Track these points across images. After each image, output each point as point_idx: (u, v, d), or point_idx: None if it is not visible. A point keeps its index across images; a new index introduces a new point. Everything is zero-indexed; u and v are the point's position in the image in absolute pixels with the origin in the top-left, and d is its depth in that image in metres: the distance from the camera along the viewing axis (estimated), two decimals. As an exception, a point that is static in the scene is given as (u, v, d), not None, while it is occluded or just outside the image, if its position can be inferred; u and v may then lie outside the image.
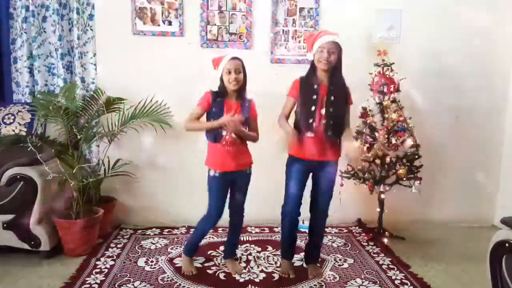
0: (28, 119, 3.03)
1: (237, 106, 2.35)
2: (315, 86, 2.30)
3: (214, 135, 2.33)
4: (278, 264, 2.61)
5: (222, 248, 2.84)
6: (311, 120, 2.28)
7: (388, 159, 2.93)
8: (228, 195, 2.47)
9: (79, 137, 2.83)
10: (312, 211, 2.48)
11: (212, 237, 3.04)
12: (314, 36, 2.33)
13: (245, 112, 2.36)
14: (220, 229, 3.15)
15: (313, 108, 2.28)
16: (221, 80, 2.34)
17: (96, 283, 2.34)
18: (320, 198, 2.43)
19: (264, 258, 2.72)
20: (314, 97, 2.29)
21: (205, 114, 2.38)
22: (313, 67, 2.36)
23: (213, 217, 2.41)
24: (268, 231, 3.20)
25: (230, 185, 2.44)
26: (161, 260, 2.66)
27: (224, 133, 2.32)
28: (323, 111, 2.28)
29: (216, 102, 2.34)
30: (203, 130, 2.38)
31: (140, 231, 3.15)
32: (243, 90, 2.39)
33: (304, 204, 2.45)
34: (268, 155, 2.96)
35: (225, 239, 2.99)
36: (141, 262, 2.63)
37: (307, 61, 2.51)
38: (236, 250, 2.67)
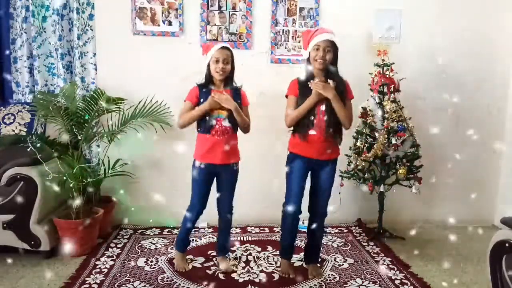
0: (28, 119, 3.03)
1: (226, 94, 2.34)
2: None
3: (205, 125, 2.33)
4: (278, 264, 2.60)
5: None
6: (312, 117, 2.28)
7: (388, 159, 2.93)
8: (217, 194, 2.47)
9: (79, 137, 2.83)
10: (311, 211, 2.48)
11: (212, 237, 3.03)
12: (310, 34, 2.32)
13: (236, 98, 2.36)
14: (220, 229, 3.15)
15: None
16: (208, 68, 2.35)
17: (95, 283, 2.34)
18: (319, 198, 2.43)
19: (264, 258, 2.72)
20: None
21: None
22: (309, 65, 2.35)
23: (195, 208, 2.42)
24: (268, 231, 3.20)
25: (214, 178, 2.43)
26: (161, 260, 2.66)
27: (214, 122, 2.32)
28: (323, 107, 2.28)
29: (203, 92, 2.35)
30: (195, 119, 2.34)
31: (140, 231, 3.15)
32: (230, 79, 2.39)
33: (303, 204, 2.44)
34: (268, 155, 2.96)
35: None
36: (140, 262, 2.63)
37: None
38: (228, 248, 2.65)
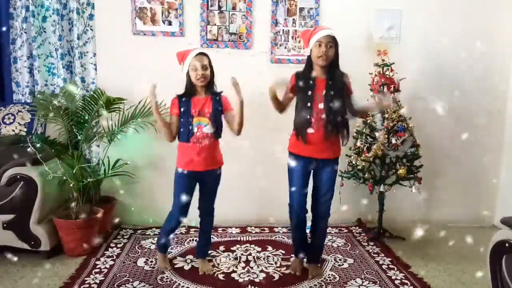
0: (28, 119, 3.03)
1: (205, 100, 2.33)
2: (311, 82, 2.29)
3: (186, 134, 2.31)
4: (278, 264, 2.61)
5: (222, 248, 2.85)
6: (308, 116, 2.27)
7: (388, 159, 2.93)
8: (198, 196, 2.46)
9: (79, 137, 2.83)
10: (313, 212, 2.47)
11: (212, 237, 3.02)
12: (310, 32, 2.32)
13: (216, 105, 2.33)
14: (220, 229, 3.15)
15: (309, 104, 2.27)
16: (187, 76, 2.32)
17: (95, 283, 2.34)
18: (322, 199, 2.41)
19: (264, 258, 2.72)
20: (310, 93, 2.28)
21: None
22: (309, 63, 2.34)
23: (176, 215, 2.39)
24: (268, 231, 3.20)
25: (197, 184, 2.42)
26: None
27: (195, 130, 2.30)
28: (321, 105, 2.27)
29: (183, 102, 2.33)
30: (164, 126, 2.33)
31: (140, 231, 3.15)
32: (211, 84, 2.36)
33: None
34: (269, 156, 2.96)
35: (226, 239, 3.00)
36: (140, 262, 2.63)
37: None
38: (208, 251, 2.64)
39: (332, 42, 2.26)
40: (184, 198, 2.37)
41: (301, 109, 2.30)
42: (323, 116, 2.26)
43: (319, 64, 2.28)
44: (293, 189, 2.38)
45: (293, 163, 2.37)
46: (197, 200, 2.49)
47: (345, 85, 2.33)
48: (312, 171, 2.41)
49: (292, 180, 2.39)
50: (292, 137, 2.40)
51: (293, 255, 2.67)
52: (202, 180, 2.41)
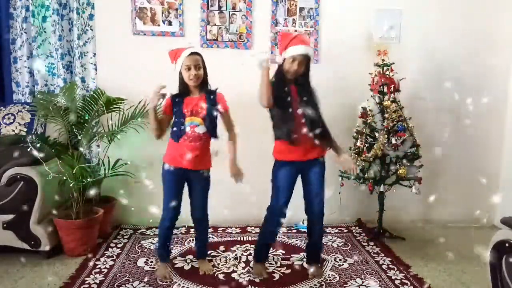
0: (28, 119, 3.03)
1: (198, 100, 2.30)
2: (286, 88, 2.28)
3: (178, 133, 2.29)
4: (279, 264, 2.61)
5: (221, 248, 2.85)
6: (291, 123, 2.26)
7: (388, 159, 2.93)
8: (189, 201, 2.43)
9: (79, 137, 2.83)
10: (308, 214, 2.45)
11: (212, 237, 3.03)
12: (288, 40, 2.27)
13: (211, 103, 2.30)
14: (220, 229, 3.15)
15: (290, 110, 2.26)
16: (180, 75, 2.29)
17: (95, 283, 2.34)
18: (315, 200, 2.39)
19: (264, 258, 2.71)
20: (288, 99, 2.27)
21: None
22: (280, 70, 2.32)
23: (168, 215, 2.34)
24: (268, 231, 3.20)
25: (185, 183, 2.38)
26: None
27: (187, 129, 2.27)
28: (299, 111, 2.26)
29: (176, 102, 2.31)
30: (155, 121, 2.28)
31: (140, 231, 3.15)
32: (205, 83, 2.33)
33: (301, 206, 2.44)
34: (269, 156, 2.95)
35: (226, 239, 3.00)
36: (140, 262, 2.63)
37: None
38: (206, 251, 2.61)
39: (305, 60, 2.25)
40: (173, 196, 2.32)
41: (282, 116, 2.28)
42: (303, 120, 2.26)
43: (288, 76, 2.29)
44: (279, 193, 2.36)
45: (279, 170, 2.37)
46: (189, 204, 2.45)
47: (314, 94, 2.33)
48: (300, 175, 2.40)
49: (278, 185, 2.37)
50: (276, 145, 2.38)
51: (292, 255, 2.68)
52: (189, 181, 2.37)
